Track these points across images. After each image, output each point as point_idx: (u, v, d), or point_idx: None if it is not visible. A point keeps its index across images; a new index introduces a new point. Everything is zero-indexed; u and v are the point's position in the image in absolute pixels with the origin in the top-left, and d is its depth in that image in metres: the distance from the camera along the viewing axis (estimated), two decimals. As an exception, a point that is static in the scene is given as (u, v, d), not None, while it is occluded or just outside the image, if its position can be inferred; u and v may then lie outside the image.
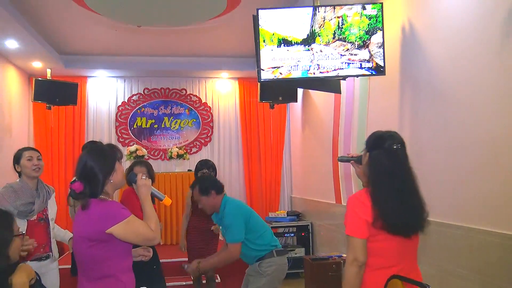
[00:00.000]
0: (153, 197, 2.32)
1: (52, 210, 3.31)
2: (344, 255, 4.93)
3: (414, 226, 2.04)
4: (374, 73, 3.77)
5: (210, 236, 4.58)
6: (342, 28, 3.74)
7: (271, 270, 3.20)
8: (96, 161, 2.09)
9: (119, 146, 7.34)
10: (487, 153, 2.82)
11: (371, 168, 2.10)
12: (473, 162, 2.96)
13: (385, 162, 2.06)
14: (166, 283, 5.09)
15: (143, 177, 2.27)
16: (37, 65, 6.57)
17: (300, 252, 6.26)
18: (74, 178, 2.21)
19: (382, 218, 1.98)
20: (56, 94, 6.52)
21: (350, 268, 2.05)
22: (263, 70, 3.79)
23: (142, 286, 1.76)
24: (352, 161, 2.38)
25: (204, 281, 4.73)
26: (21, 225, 2.94)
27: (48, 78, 6.61)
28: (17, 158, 3.17)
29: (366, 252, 2.04)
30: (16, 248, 2.06)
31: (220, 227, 3.46)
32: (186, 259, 4.65)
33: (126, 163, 5.50)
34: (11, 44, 5.58)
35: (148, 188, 2.25)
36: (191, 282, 4.79)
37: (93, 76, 7.49)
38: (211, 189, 3.33)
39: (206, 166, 4.63)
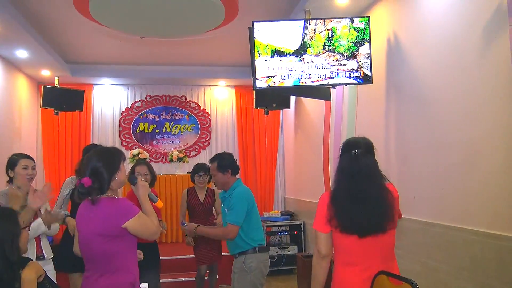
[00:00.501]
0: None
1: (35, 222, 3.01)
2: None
3: (369, 228, 2.01)
4: (361, 82, 3.80)
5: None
6: (331, 40, 3.76)
7: (254, 267, 3.12)
8: (105, 160, 2.17)
9: (123, 149, 7.35)
10: (466, 155, 2.85)
11: (335, 171, 2.17)
12: (453, 163, 2.98)
13: (345, 166, 2.11)
14: (168, 279, 5.11)
15: (142, 179, 2.38)
16: (45, 73, 6.57)
17: (293, 249, 6.26)
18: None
19: (336, 218, 2.03)
20: (63, 100, 6.53)
21: (314, 258, 2.17)
22: (257, 79, 3.81)
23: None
24: None
25: (206, 277, 4.72)
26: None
27: (56, 85, 6.61)
28: (11, 164, 2.99)
29: (328, 246, 2.11)
30: (24, 240, 2.06)
31: (222, 205, 3.39)
32: (187, 256, 4.61)
33: (129, 166, 5.50)
34: (22, 54, 5.59)
35: (147, 189, 2.34)
36: (193, 278, 4.77)
37: (98, 84, 7.49)
38: (229, 168, 3.30)
39: (203, 169, 4.62)
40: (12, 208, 2.23)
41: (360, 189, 2.04)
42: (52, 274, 3.01)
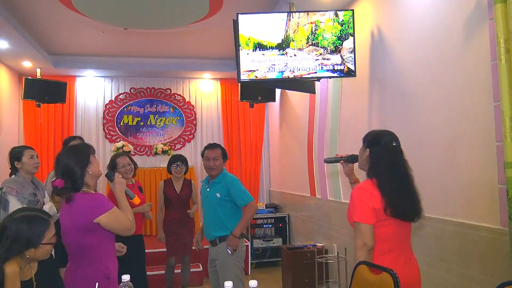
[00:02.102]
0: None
1: (46, 204, 3.36)
2: (319, 244, 5.00)
3: (416, 211, 2.16)
4: (345, 75, 3.82)
5: (185, 222, 4.63)
6: (315, 33, 3.77)
7: (239, 250, 3.35)
8: (72, 157, 2.22)
9: (107, 142, 7.33)
10: (446, 148, 2.90)
11: (372, 162, 2.20)
12: (434, 156, 3.03)
13: (386, 156, 2.18)
14: (154, 272, 5.11)
15: (119, 176, 2.43)
16: (27, 64, 6.46)
17: (277, 242, 6.31)
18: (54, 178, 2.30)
19: (392, 205, 2.08)
20: (46, 92, 6.42)
21: (360, 252, 2.10)
22: (241, 72, 3.80)
23: (123, 274, 1.78)
24: (342, 161, 2.52)
25: (179, 271, 4.74)
26: None
27: (37, 77, 6.51)
28: (17, 156, 3.29)
29: (373, 237, 2.11)
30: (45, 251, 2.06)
31: (219, 195, 3.48)
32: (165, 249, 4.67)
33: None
34: (2, 44, 5.48)
35: (123, 186, 2.40)
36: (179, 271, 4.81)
37: (81, 76, 7.40)
38: (226, 158, 3.62)
39: (180, 159, 4.71)
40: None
41: (404, 178, 2.15)
42: None
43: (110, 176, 2.40)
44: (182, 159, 4.69)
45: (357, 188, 2.22)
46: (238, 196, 3.45)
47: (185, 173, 4.74)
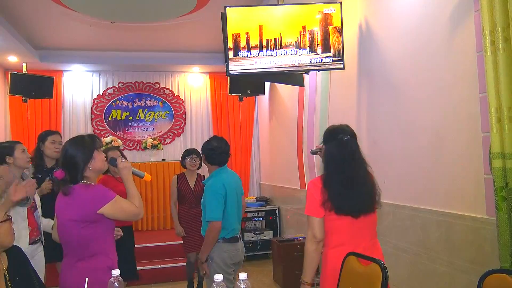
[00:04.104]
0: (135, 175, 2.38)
1: (37, 197, 3.30)
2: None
3: (360, 208, 2.16)
4: (333, 68, 3.83)
5: (199, 217, 4.55)
6: (303, 26, 3.77)
7: (215, 257, 3.03)
8: (76, 150, 2.17)
9: (95, 137, 7.25)
10: (433, 138, 2.93)
11: (324, 157, 2.26)
12: (421, 147, 3.06)
13: (335, 152, 2.20)
14: (158, 266, 5.29)
15: (122, 160, 2.34)
16: (12, 59, 6.38)
17: (268, 234, 6.34)
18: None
19: (330, 201, 2.12)
20: (32, 87, 6.35)
21: (309, 244, 2.17)
22: (230, 65, 3.79)
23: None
24: (318, 152, 2.55)
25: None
26: (22, 213, 2.99)
27: (24, 72, 6.43)
28: (9, 151, 3.20)
29: (322, 230, 2.16)
30: (6, 232, 1.97)
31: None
32: (174, 242, 4.65)
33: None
34: (-14, 39, 5.41)
35: (130, 169, 2.33)
36: (177, 265, 4.83)
37: (68, 70, 7.33)
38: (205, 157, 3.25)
39: (194, 152, 4.61)
40: None
41: (351, 173, 2.16)
42: (42, 255, 3.18)
43: (113, 162, 2.32)
44: (196, 152, 4.59)
45: (310, 182, 2.27)
46: (206, 208, 3.07)
47: (199, 167, 4.65)
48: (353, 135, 2.25)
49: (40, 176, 3.68)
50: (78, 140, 2.24)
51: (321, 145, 2.34)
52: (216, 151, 3.18)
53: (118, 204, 2.15)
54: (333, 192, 2.13)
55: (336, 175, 2.16)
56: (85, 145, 2.21)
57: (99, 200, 2.10)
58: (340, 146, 2.20)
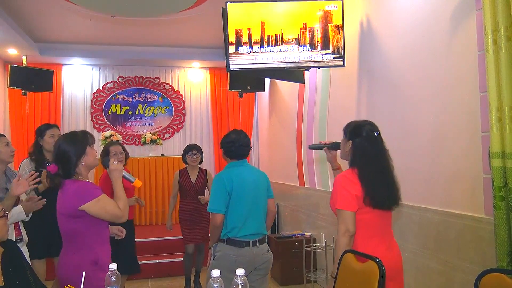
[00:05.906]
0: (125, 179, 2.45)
1: (16, 207, 3.00)
2: (307, 234, 5.04)
3: (393, 201, 2.21)
4: (334, 65, 3.82)
5: (200, 211, 4.59)
6: (304, 23, 3.75)
7: (218, 255, 2.87)
8: (69, 145, 2.23)
9: (94, 131, 7.25)
10: (433, 137, 2.93)
11: (355, 153, 2.24)
12: (420, 145, 3.06)
13: (368, 147, 2.21)
14: (156, 260, 5.34)
15: (115, 162, 2.39)
16: (12, 52, 6.36)
17: (266, 231, 6.33)
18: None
19: (369, 195, 2.13)
20: (32, 80, 6.32)
21: (343, 238, 2.14)
22: (230, 60, 3.77)
23: (114, 259, 1.79)
24: (325, 148, 2.59)
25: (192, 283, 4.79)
26: None
27: (23, 65, 6.41)
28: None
29: (355, 224, 2.15)
30: (2, 228, 1.96)
31: None
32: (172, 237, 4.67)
33: (100, 148, 5.43)
34: (-14, 31, 5.38)
35: (120, 172, 2.37)
36: (175, 259, 4.84)
37: (68, 64, 7.31)
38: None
39: (195, 148, 4.70)
40: None
41: (384, 168, 2.20)
42: (26, 256, 2.95)
43: (106, 163, 2.39)
44: (197, 148, 4.69)
45: (339, 176, 2.26)
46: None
47: (200, 162, 4.72)
48: (379, 131, 2.29)
49: (42, 170, 3.64)
50: (71, 136, 2.31)
51: (348, 140, 2.27)
52: (235, 144, 2.98)
53: (101, 204, 2.18)
54: (372, 185, 2.14)
55: (372, 169, 2.17)
56: (78, 140, 2.27)
57: (82, 197, 2.14)
58: (372, 140, 2.22)
